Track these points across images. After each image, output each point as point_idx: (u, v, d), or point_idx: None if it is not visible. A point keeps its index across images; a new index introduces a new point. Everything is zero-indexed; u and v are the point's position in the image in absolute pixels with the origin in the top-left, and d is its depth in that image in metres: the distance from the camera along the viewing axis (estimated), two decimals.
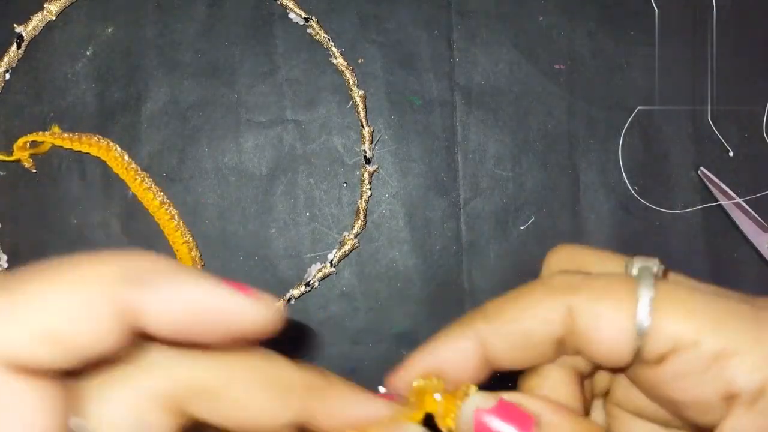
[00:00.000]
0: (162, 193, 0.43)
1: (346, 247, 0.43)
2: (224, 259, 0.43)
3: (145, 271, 0.20)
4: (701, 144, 0.45)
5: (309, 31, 0.44)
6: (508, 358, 0.24)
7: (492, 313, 0.24)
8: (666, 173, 0.45)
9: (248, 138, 0.44)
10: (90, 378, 0.21)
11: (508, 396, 0.24)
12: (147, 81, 0.43)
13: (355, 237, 0.44)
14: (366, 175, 0.44)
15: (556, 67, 0.45)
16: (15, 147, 0.42)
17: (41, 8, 0.43)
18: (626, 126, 0.45)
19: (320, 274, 0.43)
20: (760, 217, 0.44)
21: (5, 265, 0.43)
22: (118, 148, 0.42)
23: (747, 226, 0.44)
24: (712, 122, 0.45)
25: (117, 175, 0.43)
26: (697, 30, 0.45)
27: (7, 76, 0.43)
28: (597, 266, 0.25)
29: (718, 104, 0.45)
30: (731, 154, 0.45)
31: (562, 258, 0.27)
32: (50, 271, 0.20)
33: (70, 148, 0.42)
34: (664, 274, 0.25)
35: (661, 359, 0.22)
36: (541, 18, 0.45)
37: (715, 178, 0.44)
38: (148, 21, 0.44)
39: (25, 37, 0.43)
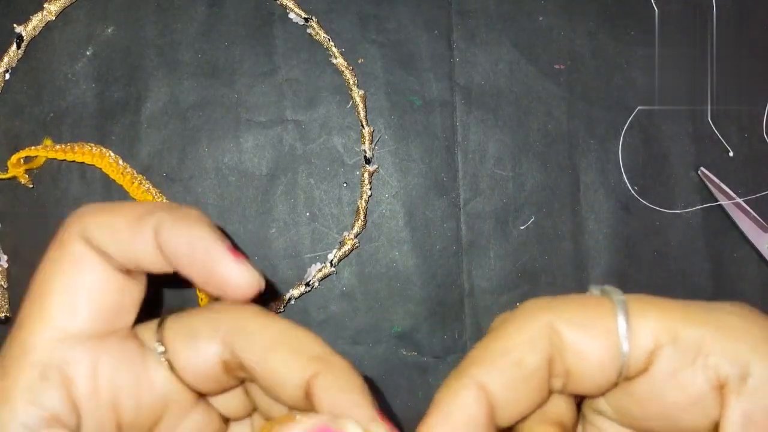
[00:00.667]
0: (162, 196, 0.43)
1: (346, 247, 0.43)
2: None
3: (177, 209, 0.25)
4: (701, 144, 0.45)
5: (309, 31, 0.44)
6: (509, 398, 0.23)
7: (480, 356, 0.24)
8: (666, 173, 0.45)
9: (248, 138, 0.44)
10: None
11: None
12: (147, 81, 0.43)
13: (355, 237, 0.44)
14: (366, 175, 0.44)
15: (556, 67, 0.45)
16: (9, 164, 0.42)
17: (41, 8, 0.43)
18: (626, 126, 0.45)
19: (320, 274, 0.43)
20: (760, 217, 0.44)
21: (5, 265, 0.43)
22: (111, 154, 0.42)
23: (747, 226, 0.44)
24: (712, 122, 0.45)
25: None
26: (697, 30, 0.45)
27: (7, 76, 0.43)
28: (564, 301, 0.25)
29: (718, 104, 0.45)
30: (731, 154, 0.45)
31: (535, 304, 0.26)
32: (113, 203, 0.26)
33: (65, 160, 0.42)
34: None
35: (648, 363, 0.23)
36: (541, 18, 0.45)
37: (715, 178, 0.44)
38: (148, 21, 0.44)
39: (24, 37, 0.43)
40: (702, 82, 0.45)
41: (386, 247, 0.44)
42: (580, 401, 0.27)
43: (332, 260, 0.43)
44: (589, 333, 0.23)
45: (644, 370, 0.23)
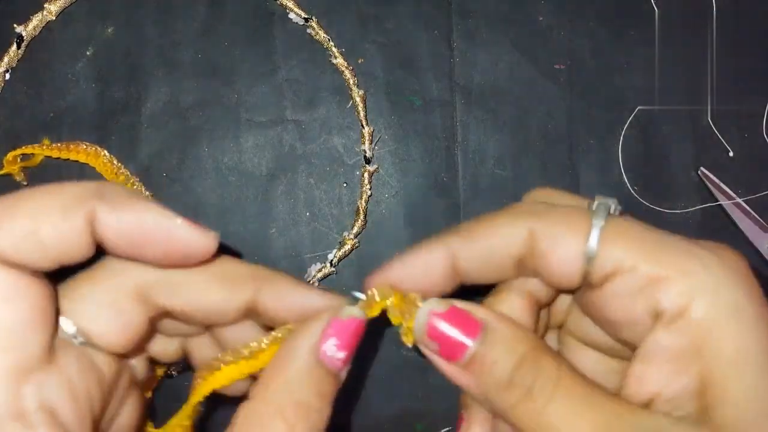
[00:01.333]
0: (153, 198, 0.43)
1: (346, 247, 0.43)
2: None
3: (111, 192, 0.25)
4: (701, 144, 0.45)
5: (309, 31, 0.44)
6: (473, 269, 0.28)
7: (463, 231, 0.28)
8: (666, 173, 0.45)
9: (248, 138, 0.44)
10: (69, 281, 0.27)
11: (460, 304, 0.27)
12: (147, 81, 0.43)
13: (355, 237, 0.44)
14: (366, 175, 0.44)
15: (556, 67, 0.45)
16: (5, 162, 0.42)
17: (41, 8, 0.43)
18: (626, 126, 0.45)
19: (320, 274, 0.43)
20: (759, 217, 0.44)
21: None
22: (106, 154, 0.42)
23: (747, 226, 0.44)
24: (712, 122, 0.45)
25: None
26: (697, 30, 0.45)
27: (7, 76, 0.43)
28: (564, 202, 0.29)
29: (718, 104, 0.45)
30: (731, 154, 0.45)
31: (537, 196, 0.30)
32: (34, 188, 0.25)
33: (59, 158, 0.42)
34: (621, 214, 0.27)
35: (603, 281, 0.26)
36: (541, 18, 0.45)
37: (714, 178, 0.44)
38: (148, 21, 0.44)
39: (25, 37, 0.43)
40: (702, 82, 0.45)
41: (386, 247, 0.44)
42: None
43: (332, 260, 0.43)
44: (560, 250, 0.26)
45: (598, 286, 0.26)
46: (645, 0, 0.45)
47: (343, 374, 0.28)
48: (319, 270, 0.43)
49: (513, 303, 0.28)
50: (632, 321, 0.25)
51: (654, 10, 0.45)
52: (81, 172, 0.43)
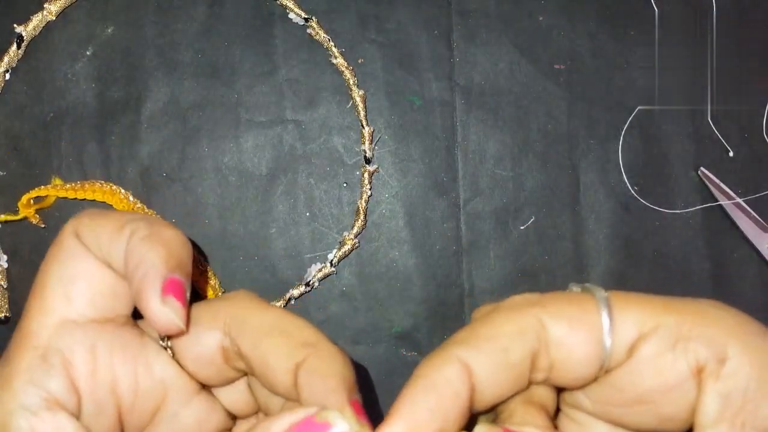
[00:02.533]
0: (153, 198, 0.42)
1: (346, 247, 0.43)
2: (224, 259, 0.43)
3: (153, 226, 0.26)
4: (701, 144, 0.45)
5: (309, 31, 0.44)
6: (490, 383, 0.23)
7: (467, 338, 0.24)
8: (666, 173, 0.45)
9: (248, 138, 0.44)
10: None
11: (514, 428, 0.23)
12: (147, 81, 0.43)
13: (355, 237, 0.44)
14: (366, 175, 0.44)
15: (556, 67, 0.45)
16: (19, 205, 0.42)
17: (41, 8, 0.43)
18: (626, 126, 0.45)
19: (320, 274, 0.43)
20: (760, 217, 0.44)
21: (5, 265, 0.43)
22: (122, 191, 0.42)
23: (747, 226, 0.44)
24: (712, 122, 0.45)
25: (117, 178, 0.43)
26: (697, 30, 0.45)
27: (7, 76, 0.43)
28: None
29: (718, 104, 0.45)
30: (731, 154, 0.45)
31: (484, 309, 0.27)
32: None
33: (75, 198, 0.42)
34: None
35: (631, 351, 0.23)
36: (541, 18, 0.45)
37: (715, 178, 0.44)
38: (148, 21, 0.44)
39: (25, 37, 0.43)
40: (702, 82, 0.45)
41: (386, 247, 0.44)
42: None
43: (332, 260, 0.43)
44: (575, 329, 0.23)
45: (626, 360, 0.23)
46: (645, 0, 0.45)
47: None
48: (319, 270, 0.43)
49: (535, 417, 0.24)
50: (675, 385, 0.23)
51: (654, 10, 0.45)
52: (82, 173, 0.43)
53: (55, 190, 0.42)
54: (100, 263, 0.26)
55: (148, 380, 0.26)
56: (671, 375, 0.23)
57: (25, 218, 0.42)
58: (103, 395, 0.25)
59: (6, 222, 0.42)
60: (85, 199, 0.42)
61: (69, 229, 0.27)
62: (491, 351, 0.23)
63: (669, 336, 0.23)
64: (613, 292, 0.24)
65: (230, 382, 0.28)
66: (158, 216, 0.43)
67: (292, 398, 0.25)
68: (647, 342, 0.23)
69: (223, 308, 0.26)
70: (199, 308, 0.27)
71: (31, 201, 0.42)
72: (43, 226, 0.43)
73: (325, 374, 0.24)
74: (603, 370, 0.24)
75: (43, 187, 0.42)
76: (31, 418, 0.24)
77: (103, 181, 0.42)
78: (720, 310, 0.23)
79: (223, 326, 0.26)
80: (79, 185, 0.42)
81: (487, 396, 0.24)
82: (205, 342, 0.26)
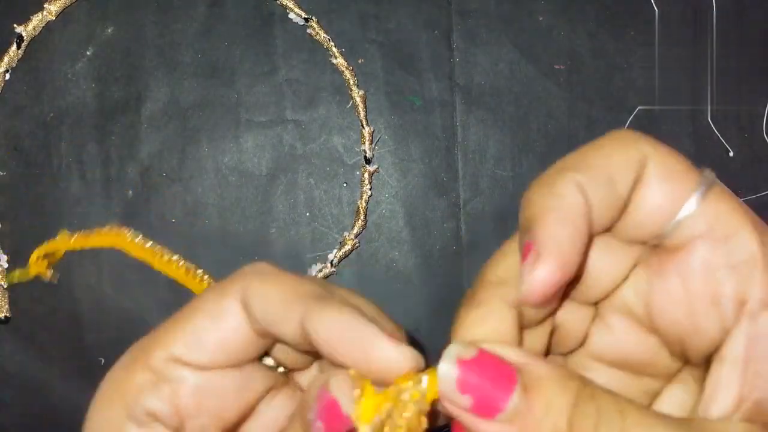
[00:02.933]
0: (183, 261, 0.42)
1: (346, 247, 0.43)
2: (224, 259, 0.43)
3: (324, 294, 0.26)
4: (701, 144, 0.45)
5: (309, 31, 0.44)
6: (601, 208, 0.23)
7: (578, 162, 0.23)
8: None
9: (248, 138, 0.44)
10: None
11: (488, 346, 0.22)
12: (147, 81, 0.43)
13: (355, 237, 0.44)
14: (366, 175, 0.44)
15: (556, 67, 0.45)
16: (31, 264, 0.42)
17: (41, 8, 0.43)
18: (626, 126, 0.45)
19: (320, 274, 0.43)
20: (760, 217, 0.44)
21: (5, 265, 0.43)
22: (131, 233, 0.42)
23: None
24: (712, 122, 0.45)
25: (117, 178, 0.43)
26: (697, 30, 0.45)
27: (7, 76, 0.43)
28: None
29: (718, 104, 0.45)
30: (731, 154, 0.45)
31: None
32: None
33: (85, 248, 0.42)
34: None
35: (696, 239, 0.22)
36: (541, 18, 0.45)
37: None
38: (148, 21, 0.44)
39: (25, 37, 0.43)
40: (702, 82, 0.45)
41: (386, 247, 0.44)
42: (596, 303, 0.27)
43: (332, 260, 0.43)
44: (668, 180, 0.23)
45: (681, 249, 0.23)
46: (645, 0, 0.45)
47: None
48: (320, 270, 0.43)
49: (501, 315, 0.24)
50: (717, 301, 0.22)
51: (654, 10, 0.45)
52: (81, 173, 0.43)
53: (63, 242, 0.42)
54: (248, 331, 0.26)
55: (251, 396, 0.27)
56: (716, 289, 0.22)
57: (38, 276, 0.42)
58: (207, 420, 0.26)
59: (16, 283, 0.42)
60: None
61: (237, 287, 0.26)
62: (601, 179, 0.23)
63: (735, 254, 0.22)
64: (721, 188, 0.23)
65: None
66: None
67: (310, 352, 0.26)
68: (709, 244, 0.22)
69: (232, 284, 0.27)
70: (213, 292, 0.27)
71: (41, 258, 0.42)
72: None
73: (337, 320, 0.24)
74: (658, 239, 0.23)
75: (51, 240, 0.42)
76: (138, 430, 0.25)
77: (108, 227, 0.42)
78: None
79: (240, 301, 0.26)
80: (86, 235, 0.42)
81: (594, 226, 0.23)
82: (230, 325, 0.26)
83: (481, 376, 0.21)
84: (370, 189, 0.44)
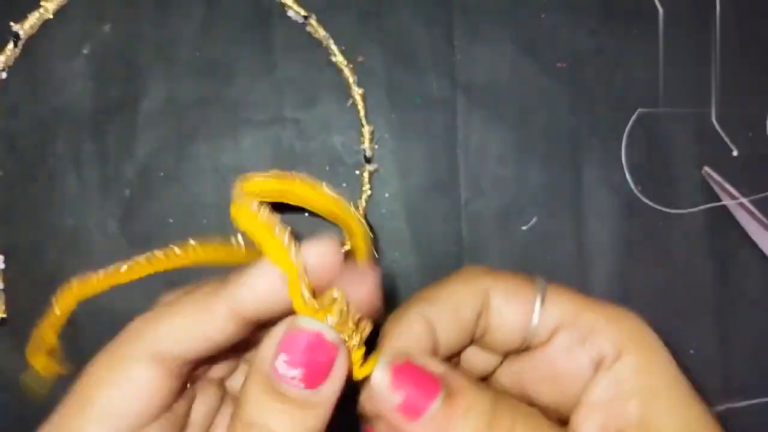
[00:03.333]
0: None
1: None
2: None
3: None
4: (705, 143, 0.45)
5: (308, 28, 0.44)
6: (447, 334, 0.28)
7: (427, 296, 0.29)
8: (669, 173, 0.44)
9: (246, 137, 0.43)
10: None
11: (417, 359, 0.27)
12: (144, 79, 0.43)
13: None
14: (366, 174, 0.43)
15: (559, 65, 0.44)
16: (35, 365, 0.40)
17: (38, 6, 0.43)
18: (629, 125, 0.44)
19: None
20: (764, 216, 0.44)
21: (2, 266, 0.42)
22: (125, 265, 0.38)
23: (751, 226, 0.44)
24: (716, 121, 0.45)
25: (114, 177, 0.43)
26: (701, 29, 0.45)
27: (4, 74, 0.43)
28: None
29: (723, 103, 0.44)
30: (735, 153, 0.45)
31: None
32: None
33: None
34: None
35: (551, 335, 0.29)
36: (543, 16, 0.44)
37: (719, 178, 0.44)
38: (146, 19, 0.43)
39: (21, 36, 0.43)
40: (706, 82, 0.45)
41: (386, 247, 0.44)
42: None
43: None
44: (512, 302, 0.29)
45: (545, 342, 0.29)
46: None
47: (320, 398, 0.25)
48: None
49: (415, 328, 0.28)
50: (576, 371, 0.28)
51: (658, 9, 0.45)
52: (79, 173, 0.43)
53: (51, 325, 0.39)
54: (165, 393, 0.26)
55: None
56: (578, 362, 0.28)
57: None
58: None
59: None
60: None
61: (139, 349, 0.26)
62: (447, 309, 0.28)
63: (583, 330, 0.28)
64: (552, 285, 0.29)
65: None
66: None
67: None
68: (565, 331, 0.28)
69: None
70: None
71: (44, 355, 0.40)
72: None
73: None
74: (525, 344, 0.29)
75: (40, 327, 0.40)
76: None
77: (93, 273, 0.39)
78: (629, 319, 0.28)
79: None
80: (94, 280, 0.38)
81: (441, 348, 0.29)
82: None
83: (410, 379, 0.25)
84: (370, 189, 0.44)
